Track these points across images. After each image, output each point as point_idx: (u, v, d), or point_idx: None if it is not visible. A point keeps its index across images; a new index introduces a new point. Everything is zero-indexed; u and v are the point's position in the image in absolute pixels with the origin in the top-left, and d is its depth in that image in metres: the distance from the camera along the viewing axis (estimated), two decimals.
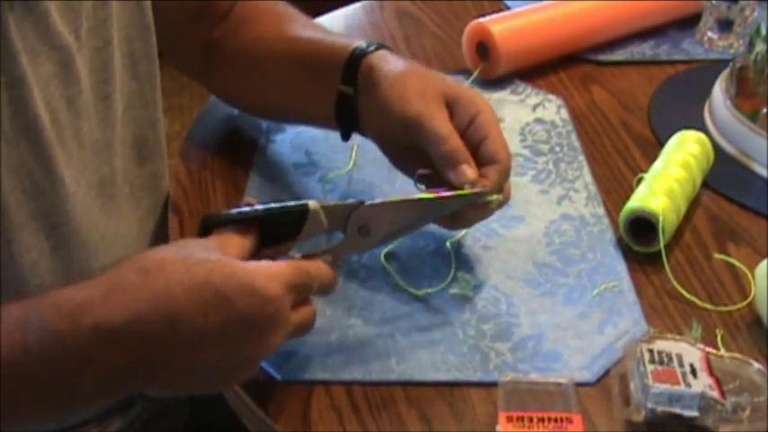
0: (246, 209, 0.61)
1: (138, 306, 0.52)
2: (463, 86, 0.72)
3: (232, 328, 0.54)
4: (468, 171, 0.67)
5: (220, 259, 0.55)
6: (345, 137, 0.78)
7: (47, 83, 0.60)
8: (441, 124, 0.67)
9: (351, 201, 0.64)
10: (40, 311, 0.52)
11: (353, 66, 0.73)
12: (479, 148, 0.68)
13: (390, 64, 0.72)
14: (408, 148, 0.71)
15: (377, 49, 0.74)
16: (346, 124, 0.76)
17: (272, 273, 0.56)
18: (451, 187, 0.67)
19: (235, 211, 0.61)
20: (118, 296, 0.53)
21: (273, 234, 0.62)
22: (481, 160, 0.68)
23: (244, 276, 0.54)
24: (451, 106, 0.69)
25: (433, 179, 0.69)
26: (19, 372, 0.51)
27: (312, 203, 0.62)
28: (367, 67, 0.73)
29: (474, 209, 0.69)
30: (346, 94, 0.74)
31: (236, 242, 0.59)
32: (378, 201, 0.65)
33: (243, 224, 0.61)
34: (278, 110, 0.85)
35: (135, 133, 0.72)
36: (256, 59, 0.81)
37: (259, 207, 0.61)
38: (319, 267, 0.61)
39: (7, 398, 0.51)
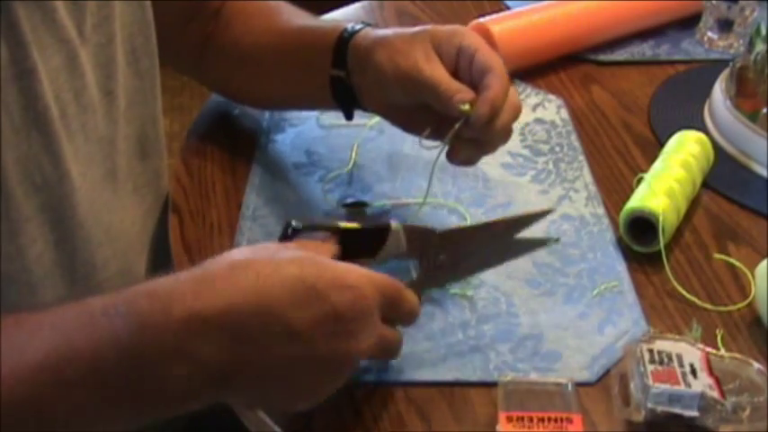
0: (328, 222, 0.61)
1: (230, 297, 0.51)
2: (443, 26, 0.73)
3: (324, 322, 0.53)
4: (463, 95, 0.68)
5: (311, 256, 0.55)
6: (348, 116, 0.79)
7: (56, 75, 0.61)
8: (429, 71, 0.69)
9: (427, 225, 0.65)
10: (128, 299, 0.50)
11: (342, 49, 0.75)
12: (471, 66, 0.69)
13: (375, 36, 0.74)
14: (413, 109, 0.72)
15: (362, 28, 0.76)
16: (346, 104, 0.78)
17: (365, 273, 0.56)
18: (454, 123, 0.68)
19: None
20: (209, 287, 0.51)
21: (352, 249, 0.61)
22: (477, 75, 0.69)
23: (336, 272, 0.54)
24: (439, 48, 0.70)
25: (439, 133, 0.71)
26: (105, 361, 0.49)
27: (394, 223, 0.62)
28: (355, 47, 0.74)
29: (471, 130, 0.69)
30: (338, 77, 0.76)
31: (319, 247, 0.59)
32: (451, 227, 0.66)
33: (325, 232, 0.61)
34: (275, 100, 0.86)
35: (137, 130, 0.73)
36: (248, 52, 0.83)
37: (340, 222, 0.62)
38: (409, 291, 0.60)
39: (91, 394, 0.49)
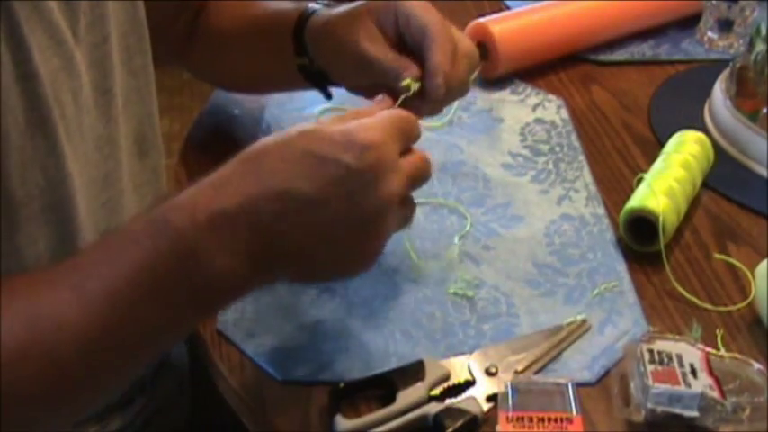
0: None
1: (247, 189, 0.54)
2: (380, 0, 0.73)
3: (340, 183, 0.54)
4: (409, 72, 0.68)
5: (317, 128, 0.57)
6: (327, 96, 0.82)
7: (54, 77, 0.61)
8: (372, 51, 0.70)
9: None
10: (158, 219, 0.54)
11: (299, 37, 0.77)
12: (411, 31, 0.70)
13: (323, 20, 0.75)
14: (371, 85, 0.73)
15: (313, 12, 0.77)
16: (320, 85, 0.80)
17: (368, 124, 0.57)
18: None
19: None
20: (226, 186, 0.54)
21: None
22: (418, 40, 0.69)
23: (340, 134, 0.56)
24: (378, 21, 0.71)
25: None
26: (158, 274, 0.52)
27: None
28: (310, 35, 0.76)
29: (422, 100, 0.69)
30: (303, 64, 0.78)
31: (361, 113, 0.60)
32: None
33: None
34: (256, 85, 0.88)
35: (135, 128, 0.73)
36: (227, 38, 0.85)
37: None
38: (415, 120, 0.61)
39: (154, 307, 0.53)
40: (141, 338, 0.54)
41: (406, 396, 0.60)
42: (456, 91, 0.72)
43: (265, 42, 0.81)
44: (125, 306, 0.53)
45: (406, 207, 0.61)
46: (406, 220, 0.62)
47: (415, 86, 0.67)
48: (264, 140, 0.57)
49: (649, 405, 0.59)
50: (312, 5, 0.78)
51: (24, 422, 0.53)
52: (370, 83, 0.73)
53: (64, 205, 0.62)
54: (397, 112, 0.61)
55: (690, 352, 0.62)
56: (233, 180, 0.55)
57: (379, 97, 0.65)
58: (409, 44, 0.70)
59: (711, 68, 1.00)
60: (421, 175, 0.61)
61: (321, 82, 0.80)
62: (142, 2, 0.73)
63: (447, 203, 0.81)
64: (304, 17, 0.77)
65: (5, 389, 0.50)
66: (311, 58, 0.77)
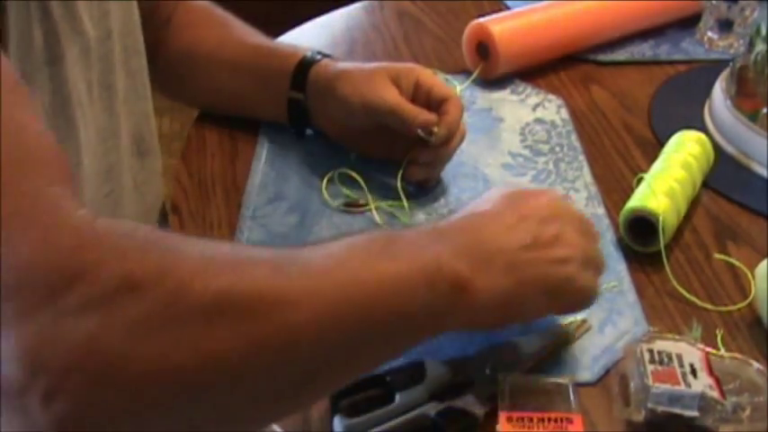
0: None
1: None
2: (398, 63, 0.83)
3: (528, 216, 0.59)
4: (426, 115, 0.78)
5: None
6: (299, 134, 0.87)
7: (73, 65, 0.62)
8: (391, 97, 0.78)
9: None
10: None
11: (301, 74, 0.82)
12: (429, 96, 0.79)
13: (338, 68, 0.81)
14: (369, 134, 0.81)
15: (322, 58, 0.83)
16: (298, 123, 0.85)
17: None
18: (421, 143, 0.78)
19: None
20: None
21: None
22: (435, 103, 0.79)
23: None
24: (397, 81, 0.79)
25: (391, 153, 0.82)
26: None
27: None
28: (314, 75, 0.82)
29: (428, 151, 0.79)
30: (297, 99, 0.83)
31: None
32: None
33: None
34: (229, 109, 0.90)
35: (133, 127, 0.75)
36: (202, 62, 0.87)
37: None
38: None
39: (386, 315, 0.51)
40: (383, 296, 0.50)
41: (406, 396, 0.60)
42: (448, 156, 0.81)
43: (253, 73, 0.85)
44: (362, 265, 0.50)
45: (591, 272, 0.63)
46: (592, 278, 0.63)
47: (435, 129, 0.78)
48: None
49: (649, 405, 0.59)
50: (312, 52, 0.83)
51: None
52: (370, 130, 0.80)
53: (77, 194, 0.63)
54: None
55: (690, 352, 0.62)
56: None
57: None
58: (420, 106, 0.79)
59: (711, 68, 1.00)
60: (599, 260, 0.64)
61: (301, 120, 0.85)
62: (137, 6, 0.75)
63: (447, 204, 0.81)
64: (307, 60, 0.82)
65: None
66: (306, 96, 0.82)
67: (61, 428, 0.40)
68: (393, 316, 0.50)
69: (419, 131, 0.78)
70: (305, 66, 0.82)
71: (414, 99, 0.80)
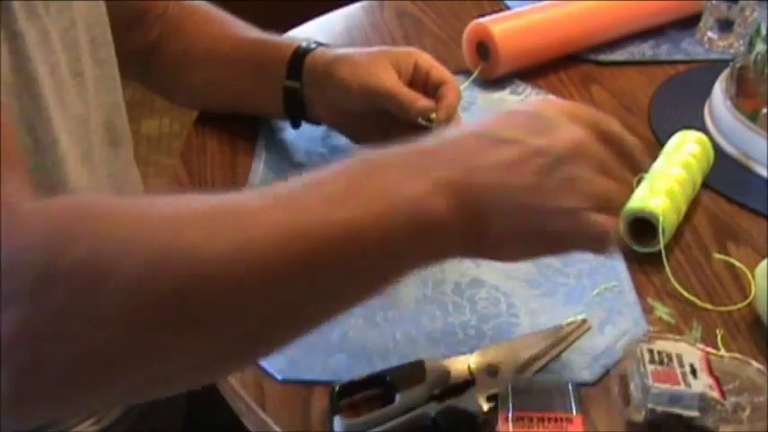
0: None
1: (448, 135, 0.57)
2: (398, 48, 0.84)
3: (528, 124, 0.56)
4: (424, 101, 0.78)
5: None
6: (295, 125, 0.86)
7: (34, 46, 0.62)
8: (390, 82, 0.78)
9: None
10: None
11: (297, 62, 0.82)
12: (427, 79, 0.79)
13: (336, 53, 0.81)
14: (365, 120, 0.81)
15: (318, 46, 0.83)
16: (294, 114, 0.85)
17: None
18: (419, 128, 0.77)
19: None
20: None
21: None
22: (432, 87, 0.79)
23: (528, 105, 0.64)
24: (396, 65, 0.79)
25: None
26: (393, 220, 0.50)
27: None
28: (312, 62, 0.81)
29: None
30: (293, 88, 0.82)
31: None
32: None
33: None
34: (224, 105, 0.90)
35: (104, 116, 0.76)
36: (200, 58, 0.87)
37: None
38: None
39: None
40: (342, 246, 0.49)
41: (406, 396, 0.60)
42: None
43: (249, 65, 0.85)
44: (321, 208, 0.50)
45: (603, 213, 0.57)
46: (603, 222, 0.56)
47: (433, 116, 0.78)
48: None
49: (649, 405, 0.59)
50: (308, 41, 0.83)
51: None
52: (367, 115, 0.80)
53: (56, 170, 0.63)
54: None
55: (690, 352, 0.62)
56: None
57: None
58: (418, 90, 0.79)
59: (711, 68, 1.00)
60: (612, 195, 0.57)
61: (297, 111, 0.84)
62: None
63: None
64: (302, 49, 0.82)
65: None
66: (302, 84, 0.82)
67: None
68: (349, 262, 0.50)
69: (419, 119, 0.77)
70: (300, 54, 0.82)
71: (412, 82, 0.80)
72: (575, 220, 0.55)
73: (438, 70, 0.80)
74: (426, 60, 0.80)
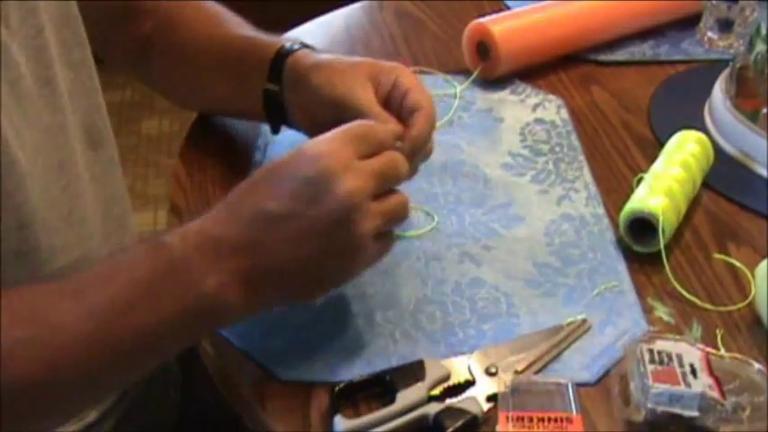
0: None
1: (227, 217, 0.61)
2: (384, 61, 0.77)
3: (300, 194, 0.59)
4: (392, 126, 0.71)
5: (273, 159, 0.63)
6: (275, 131, 0.83)
7: None
8: (363, 97, 0.73)
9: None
10: (160, 237, 0.60)
11: (278, 64, 0.79)
12: (403, 101, 0.73)
13: (317, 58, 0.78)
14: (333, 126, 0.76)
15: (301, 48, 0.79)
16: (275, 119, 0.82)
17: (318, 139, 0.63)
18: None
19: None
20: (211, 217, 0.61)
21: None
22: (406, 111, 0.73)
23: (293, 154, 0.62)
24: (376, 79, 0.75)
25: None
26: (151, 290, 0.58)
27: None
28: (293, 65, 0.78)
29: None
30: (273, 91, 0.79)
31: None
32: None
33: None
34: (208, 105, 0.90)
35: (83, 119, 0.74)
36: (191, 55, 0.85)
37: None
38: (378, 124, 0.68)
39: (141, 318, 0.57)
40: (137, 346, 0.58)
41: (406, 396, 0.60)
42: (420, 159, 0.75)
43: (234, 65, 0.83)
44: (123, 315, 0.57)
45: (382, 237, 0.64)
46: (383, 245, 0.65)
47: (399, 144, 0.69)
48: (237, 186, 0.63)
49: (649, 405, 0.59)
50: (291, 42, 0.80)
51: (17, 418, 0.55)
52: (340, 122, 0.73)
53: (17, 191, 0.63)
54: (350, 125, 0.64)
55: (690, 352, 0.62)
56: (216, 211, 0.61)
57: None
58: (392, 112, 0.73)
59: (711, 68, 1.00)
60: (396, 214, 0.64)
61: (277, 116, 0.81)
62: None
63: (447, 204, 0.81)
64: (285, 50, 0.79)
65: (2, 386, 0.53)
66: (282, 87, 0.79)
67: None
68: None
69: None
70: (282, 55, 0.78)
71: (389, 100, 0.74)
72: (358, 267, 0.64)
73: (416, 93, 0.73)
74: (408, 80, 0.74)
